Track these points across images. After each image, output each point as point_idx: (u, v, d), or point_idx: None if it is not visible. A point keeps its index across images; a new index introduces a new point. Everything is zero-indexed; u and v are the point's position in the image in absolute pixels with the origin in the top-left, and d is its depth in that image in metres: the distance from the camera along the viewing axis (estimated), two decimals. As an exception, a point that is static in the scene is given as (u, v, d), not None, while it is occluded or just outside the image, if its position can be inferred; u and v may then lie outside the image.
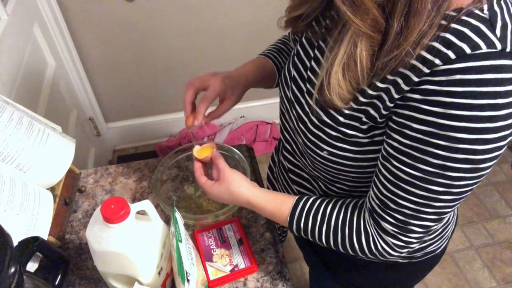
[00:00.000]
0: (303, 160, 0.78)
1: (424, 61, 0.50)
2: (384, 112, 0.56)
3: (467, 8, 0.49)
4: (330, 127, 0.63)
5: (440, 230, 0.77)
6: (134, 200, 0.97)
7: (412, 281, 0.92)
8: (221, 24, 1.88)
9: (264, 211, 0.72)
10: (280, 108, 0.80)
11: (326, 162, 0.67)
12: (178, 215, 0.71)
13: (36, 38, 1.47)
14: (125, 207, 0.63)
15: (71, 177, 0.94)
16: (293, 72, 0.73)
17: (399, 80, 0.53)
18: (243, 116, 2.29)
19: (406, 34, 0.49)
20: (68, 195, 0.91)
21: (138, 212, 0.68)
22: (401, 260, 0.79)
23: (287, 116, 0.77)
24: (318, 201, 0.69)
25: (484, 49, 0.47)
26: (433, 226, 0.60)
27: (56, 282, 0.75)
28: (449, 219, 0.79)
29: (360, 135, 0.61)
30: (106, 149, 2.21)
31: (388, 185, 0.58)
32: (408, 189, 0.56)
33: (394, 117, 0.55)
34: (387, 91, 0.55)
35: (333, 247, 0.68)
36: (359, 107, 0.59)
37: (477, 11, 0.49)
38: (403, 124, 0.54)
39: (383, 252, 0.64)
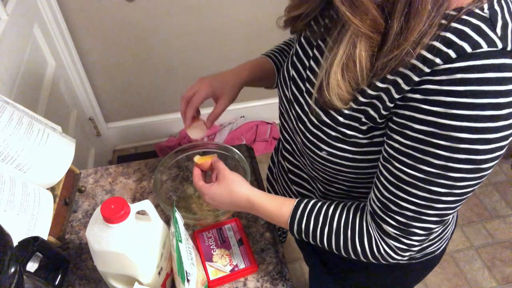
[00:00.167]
0: (303, 160, 0.78)
1: (424, 60, 0.50)
2: (384, 112, 0.56)
3: (468, 8, 0.49)
4: (329, 127, 0.63)
5: (440, 231, 0.76)
6: (134, 200, 0.97)
7: (412, 282, 0.92)
8: (221, 24, 1.88)
9: (264, 211, 0.71)
10: (280, 108, 0.80)
11: (325, 162, 0.67)
12: (178, 215, 0.71)
13: (36, 38, 1.47)
14: (125, 207, 0.63)
15: (71, 177, 0.94)
16: (292, 72, 0.73)
17: (399, 80, 0.53)
18: (243, 116, 2.29)
19: (406, 34, 0.49)
20: (68, 195, 0.91)
21: (138, 212, 0.68)
22: (401, 261, 0.79)
23: (286, 116, 0.77)
24: (320, 203, 0.68)
25: (485, 48, 0.47)
26: (435, 228, 0.59)
27: (56, 282, 0.75)
28: (449, 220, 0.79)
29: (360, 135, 0.61)
30: (106, 149, 2.21)
31: (389, 187, 0.58)
32: (409, 191, 0.56)
33: (394, 118, 0.55)
34: (387, 91, 0.54)
35: (334, 250, 0.67)
36: (359, 107, 0.59)
37: (477, 10, 0.49)
38: (403, 124, 0.53)
39: (385, 255, 0.63)
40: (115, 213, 0.62)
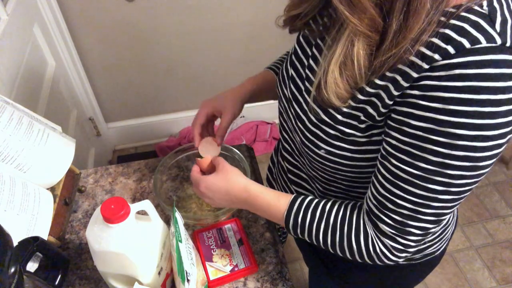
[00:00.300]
0: (302, 159, 0.78)
1: (423, 57, 0.50)
2: (382, 110, 0.56)
3: (467, 5, 0.49)
4: (328, 125, 0.63)
5: (440, 232, 0.76)
6: (134, 200, 0.97)
7: (411, 282, 0.92)
8: (221, 24, 1.88)
9: (261, 201, 0.70)
10: (279, 108, 0.80)
11: (324, 161, 0.67)
12: (178, 215, 0.71)
13: (36, 38, 1.47)
14: (125, 207, 0.63)
15: (71, 177, 0.94)
16: (291, 71, 0.73)
17: (398, 77, 0.52)
18: (243, 116, 2.29)
19: (405, 33, 0.49)
20: (68, 195, 0.91)
21: (138, 212, 0.68)
22: (400, 262, 0.79)
23: (285, 116, 0.77)
24: (318, 199, 0.68)
25: (484, 43, 0.47)
26: (431, 228, 0.59)
27: (56, 282, 0.75)
28: (448, 221, 0.79)
29: (358, 134, 0.61)
30: (106, 149, 2.21)
31: (386, 184, 0.58)
32: (406, 188, 0.56)
33: (392, 115, 0.55)
34: (385, 88, 0.54)
35: (330, 248, 0.66)
36: (357, 105, 0.59)
37: (476, 7, 0.49)
38: (402, 121, 0.53)
39: (381, 255, 0.62)
40: (115, 213, 0.62)
